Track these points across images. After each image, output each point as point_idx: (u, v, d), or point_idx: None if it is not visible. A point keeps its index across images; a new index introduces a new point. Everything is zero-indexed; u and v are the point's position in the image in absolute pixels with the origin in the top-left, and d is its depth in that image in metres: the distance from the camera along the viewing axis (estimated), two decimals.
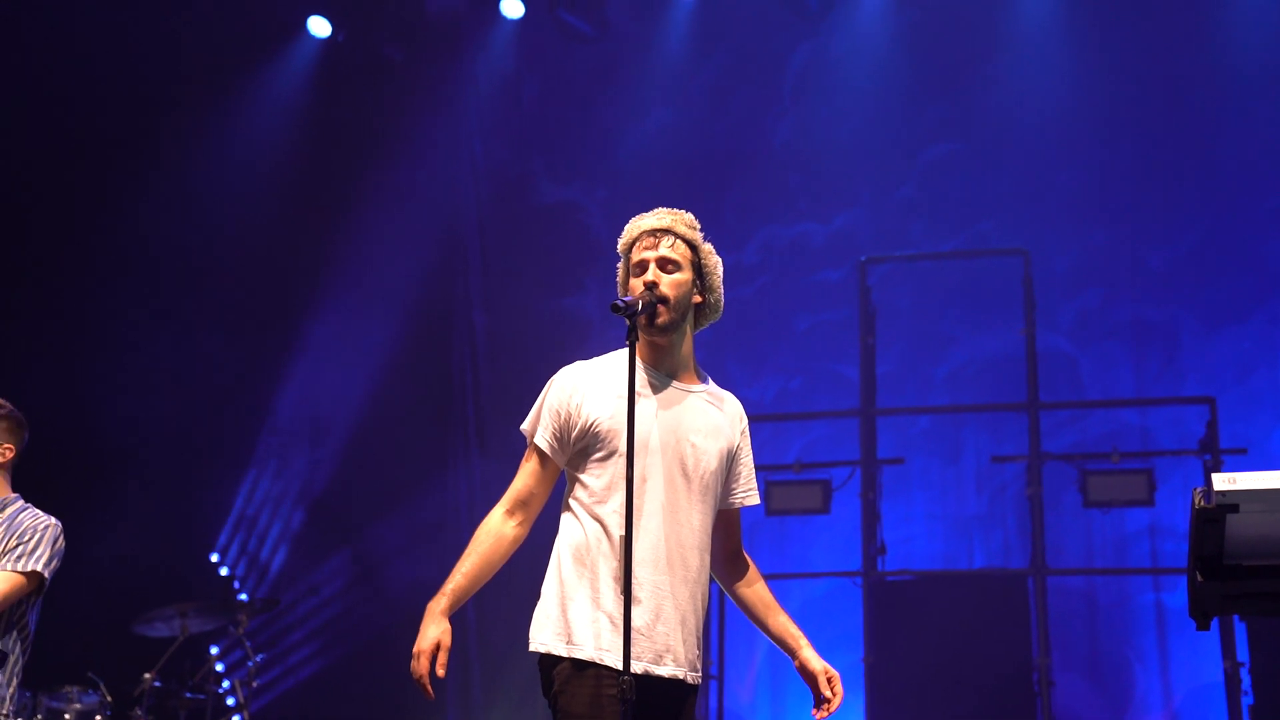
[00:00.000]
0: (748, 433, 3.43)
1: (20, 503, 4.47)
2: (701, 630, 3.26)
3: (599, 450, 3.21)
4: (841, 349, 9.00)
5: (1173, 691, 8.22)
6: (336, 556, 9.25)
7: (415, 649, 3.10)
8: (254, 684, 7.07)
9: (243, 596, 8.72)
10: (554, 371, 3.38)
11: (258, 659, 7.20)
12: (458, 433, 9.66)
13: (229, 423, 9.12)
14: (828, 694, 3.24)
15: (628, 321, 3.16)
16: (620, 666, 2.92)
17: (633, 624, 3.01)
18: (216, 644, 7.88)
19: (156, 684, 6.70)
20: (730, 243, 9.44)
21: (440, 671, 3.09)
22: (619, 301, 3.17)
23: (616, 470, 3.18)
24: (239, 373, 9.18)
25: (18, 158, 8.61)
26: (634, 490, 3.04)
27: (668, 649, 3.13)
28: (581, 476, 3.24)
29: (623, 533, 3.03)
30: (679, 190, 9.99)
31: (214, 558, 9.09)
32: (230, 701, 7.50)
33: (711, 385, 3.41)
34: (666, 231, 3.31)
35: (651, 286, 3.24)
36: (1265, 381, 8.53)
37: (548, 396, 3.30)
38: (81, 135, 8.83)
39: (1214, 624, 5.72)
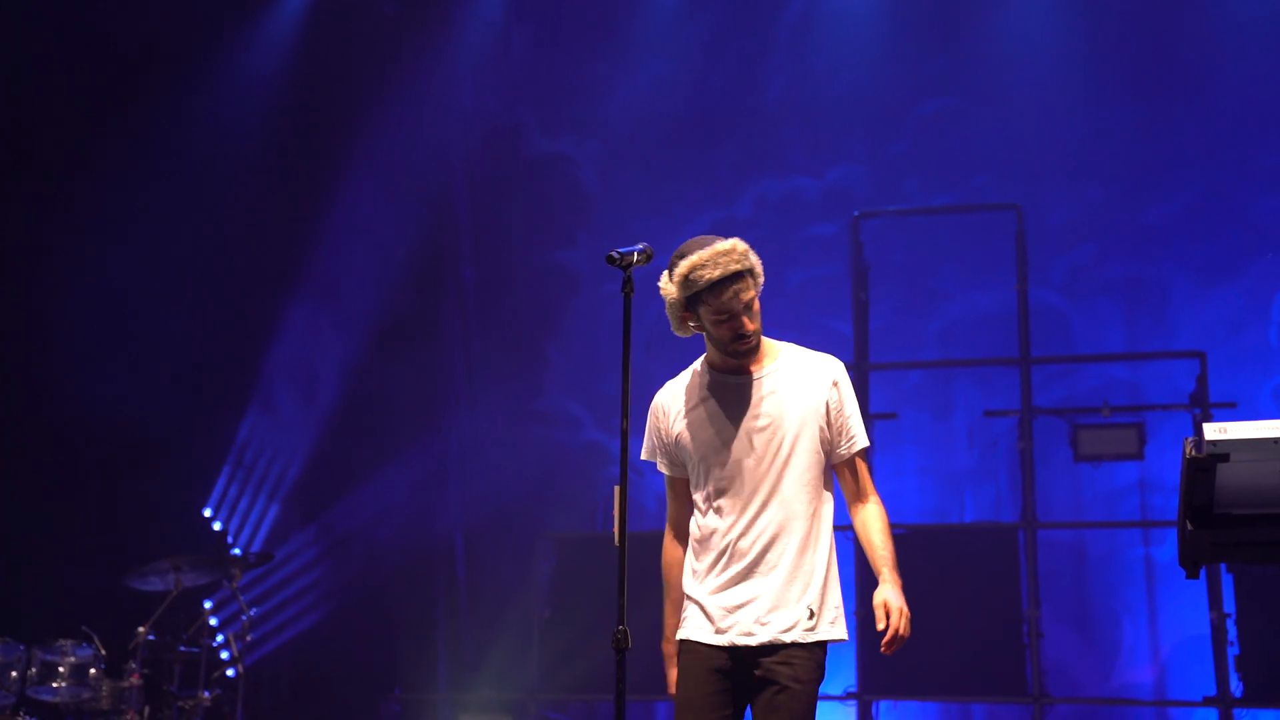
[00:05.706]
0: (840, 384, 3.56)
1: None
2: (812, 589, 3.45)
3: (687, 461, 3.54)
4: (834, 304, 8.99)
5: (1160, 643, 8.29)
6: (329, 511, 9.26)
7: (670, 691, 3.53)
8: (248, 638, 7.10)
9: (236, 551, 8.73)
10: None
11: (251, 613, 7.22)
12: (448, 385, 9.65)
13: (221, 378, 9.09)
14: (881, 626, 3.45)
15: (624, 273, 3.26)
16: (708, 641, 3.42)
17: (728, 604, 3.43)
18: (210, 598, 7.90)
19: (150, 637, 6.73)
20: (723, 197, 9.41)
21: None
22: (614, 253, 3.24)
23: (703, 476, 3.50)
24: (231, 327, 9.14)
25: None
26: (721, 494, 3.47)
27: (758, 622, 3.40)
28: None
29: (722, 524, 3.46)
30: (671, 144, 10.00)
31: (207, 512, 9.10)
32: (224, 655, 7.54)
33: (786, 358, 3.55)
34: (745, 273, 3.40)
35: (747, 336, 3.42)
36: (1255, 337, 8.55)
37: (648, 425, 3.65)
38: (70, 86, 8.74)
39: (1201, 576, 5.75)
